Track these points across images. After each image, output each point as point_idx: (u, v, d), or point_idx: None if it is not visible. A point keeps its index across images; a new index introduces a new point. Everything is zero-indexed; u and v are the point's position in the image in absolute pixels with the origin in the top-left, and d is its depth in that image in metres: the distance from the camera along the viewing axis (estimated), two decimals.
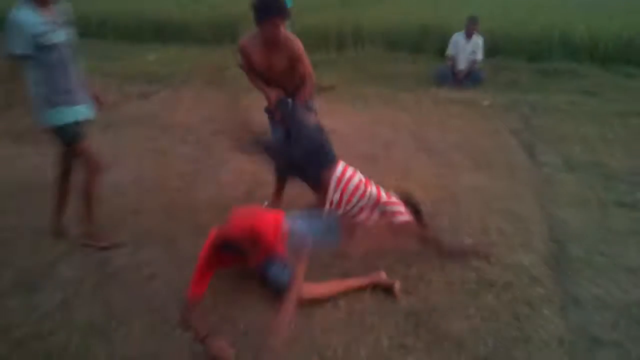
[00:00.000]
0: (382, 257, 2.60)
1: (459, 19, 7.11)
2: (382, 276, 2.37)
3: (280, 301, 2.03)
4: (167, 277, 2.44)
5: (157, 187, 3.46)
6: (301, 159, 2.73)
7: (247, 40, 2.82)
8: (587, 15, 8.84)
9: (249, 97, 4.63)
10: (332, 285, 2.32)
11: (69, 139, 2.47)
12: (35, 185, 3.41)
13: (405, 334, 2.06)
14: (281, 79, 2.88)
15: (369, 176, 2.79)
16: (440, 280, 2.41)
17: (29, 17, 2.22)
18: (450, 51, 6.70)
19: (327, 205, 2.69)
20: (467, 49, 6.57)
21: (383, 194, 2.69)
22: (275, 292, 2.20)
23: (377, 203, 2.64)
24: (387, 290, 2.31)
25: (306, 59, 2.85)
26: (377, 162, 3.89)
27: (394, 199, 2.70)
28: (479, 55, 6.58)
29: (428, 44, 8.15)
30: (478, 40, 6.57)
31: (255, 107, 3.71)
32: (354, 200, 2.64)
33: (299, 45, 2.79)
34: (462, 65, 6.61)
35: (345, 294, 2.29)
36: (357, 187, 2.65)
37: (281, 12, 2.62)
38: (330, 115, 4.87)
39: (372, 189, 2.68)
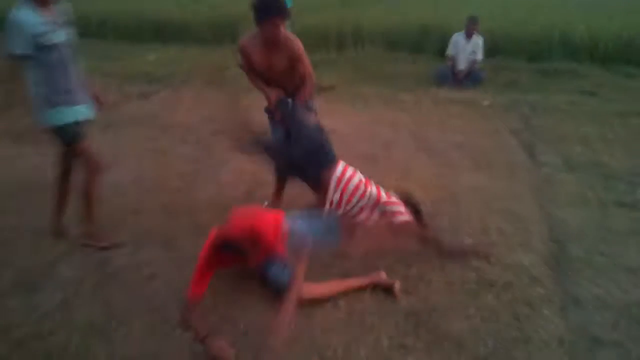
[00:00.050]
0: (382, 257, 2.60)
1: (459, 19, 7.11)
2: (382, 276, 2.37)
3: (280, 301, 2.03)
4: (167, 277, 2.44)
5: (157, 187, 3.46)
6: (301, 159, 2.73)
7: (247, 40, 2.81)
8: (587, 15, 8.84)
9: (249, 97, 4.63)
10: (332, 285, 2.32)
11: (69, 139, 2.47)
12: (35, 185, 3.41)
13: (405, 334, 2.06)
14: (281, 79, 2.88)
15: (369, 176, 2.79)
16: (440, 281, 2.41)
17: (29, 17, 2.22)
18: (450, 51, 6.70)
19: (327, 205, 2.69)
20: (467, 49, 6.57)
21: (383, 194, 2.69)
22: (275, 292, 2.20)
23: (377, 203, 2.64)
24: (387, 290, 2.31)
25: (306, 59, 2.85)
26: (377, 162, 3.89)
27: (393, 199, 2.70)
28: (479, 56, 6.58)
29: (428, 44, 8.15)
30: (478, 41, 6.57)
31: (255, 107, 3.71)
32: (354, 200, 2.64)
33: (299, 45, 2.79)
34: (462, 65, 6.61)
35: (345, 294, 2.29)
36: (357, 187, 2.65)
37: (281, 12, 2.62)
38: (330, 115, 4.87)
39: (372, 189, 2.68)
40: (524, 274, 2.46)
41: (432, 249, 2.66)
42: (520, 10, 9.89)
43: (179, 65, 7.70)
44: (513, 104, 5.72)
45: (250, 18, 2.71)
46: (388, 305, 2.24)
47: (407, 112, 5.38)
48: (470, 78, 6.55)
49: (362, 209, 2.64)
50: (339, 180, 2.66)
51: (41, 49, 2.26)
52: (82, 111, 2.49)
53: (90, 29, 9.86)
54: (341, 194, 2.65)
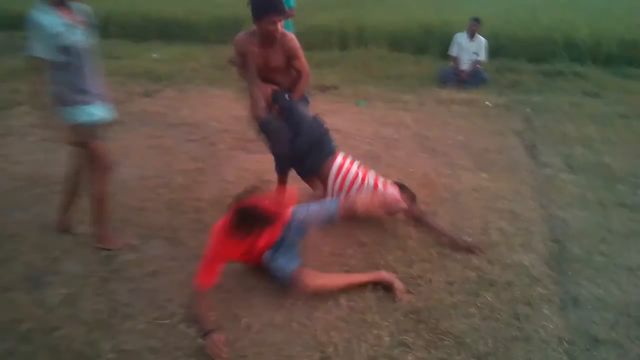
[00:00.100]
0: (383, 254, 2.63)
1: (463, 20, 7.13)
2: (384, 275, 2.38)
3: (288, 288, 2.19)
4: (170, 273, 2.47)
5: (161, 184, 3.49)
6: (303, 149, 2.79)
7: (243, 36, 2.86)
8: (590, 16, 8.84)
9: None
10: (335, 278, 2.35)
11: (83, 138, 2.48)
12: (42, 181, 3.45)
13: (405, 332, 2.08)
14: (277, 76, 2.93)
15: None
16: (441, 280, 2.43)
17: (47, 18, 2.23)
18: (453, 51, 6.72)
19: (328, 196, 2.79)
20: (470, 49, 6.58)
21: (380, 183, 2.80)
22: (281, 282, 2.26)
23: (374, 192, 2.76)
24: (388, 288, 2.33)
25: (302, 56, 2.90)
26: (380, 161, 3.91)
27: (390, 187, 2.81)
28: (483, 57, 6.59)
29: (431, 44, 8.18)
30: (481, 41, 6.58)
31: None
32: (353, 189, 2.73)
33: (295, 41, 2.83)
34: (464, 65, 6.63)
35: (347, 290, 2.31)
36: (355, 177, 2.77)
37: (278, 9, 2.67)
38: (333, 114, 4.90)
39: (370, 179, 2.79)
40: (524, 273, 2.48)
41: (424, 230, 2.79)
42: (524, 11, 9.90)
43: (184, 63, 7.73)
44: (515, 104, 5.73)
45: None
46: (389, 303, 2.26)
47: (410, 112, 5.40)
48: (473, 79, 6.56)
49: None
50: (339, 170, 2.74)
51: (58, 49, 2.27)
52: (97, 111, 2.49)
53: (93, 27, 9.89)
54: (341, 184, 2.73)
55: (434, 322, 2.13)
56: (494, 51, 7.22)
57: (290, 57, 2.84)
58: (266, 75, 2.90)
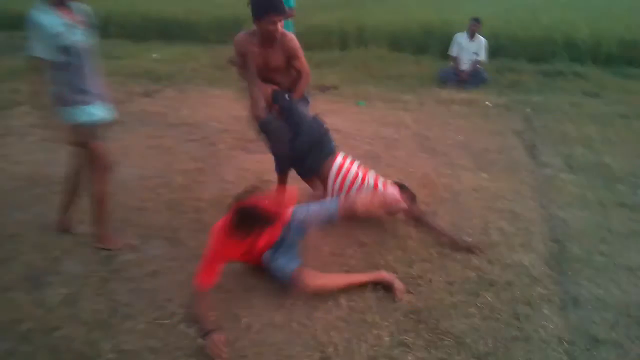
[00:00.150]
0: (383, 254, 2.63)
1: (463, 20, 7.13)
2: (384, 275, 2.38)
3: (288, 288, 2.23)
4: (170, 274, 2.47)
5: (161, 184, 3.49)
6: (304, 149, 2.80)
7: (243, 36, 2.86)
8: (590, 16, 8.84)
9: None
10: (335, 278, 2.35)
11: (83, 138, 2.47)
12: (42, 181, 3.45)
13: (405, 332, 2.08)
14: (277, 76, 2.93)
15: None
16: (441, 280, 2.43)
17: (47, 18, 2.23)
18: (453, 51, 6.72)
19: (328, 195, 2.81)
20: (470, 49, 6.59)
21: (380, 183, 2.82)
22: (281, 282, 2.27)
23: (374, 193, 2.77)
24: (388, 288, 2.33)
25: (302, 55, 2.91)
26: (380, 161, 3.91)
27: (390, 187, 2.83)
28: (483, 56, 6.59)
29: (431, 44, 8.18)
30: (481, 41, 6.58)
31: None
32: (353, 189, 2.75)
33: (295, 41, 2.84)
34: (464, 65, 6.63)
35: (347, 290, 2.31)
36: (355, 177, 2.79)
37: (279, 9, 2.68)
38: (333, 114, 4.90)
39: (370, 179, 2.81)
40: (524, 273, 2.48)
41: (423, 229, 2.81)
42: (524, 11, 9.91)
43: (184, 64, 7.74)
44: (515, 104, 5.74)
45: None
46: (389, 303, 2.26)
47: (410, 112, 5.40)
48: (473, 79, 6.57)
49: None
50: (339, 170, 2.75)
51: (58, 49, 2.27)
52: (97, 111, 2.49)
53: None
54: (341, 184, 2.74)
55: (434, 322, 2.13)
56: (494, 51, 7.23)
57: (290, 57, 2.85)
58: (266, 75, 2.90)
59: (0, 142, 4.32)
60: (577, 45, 7.58)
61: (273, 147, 2.95)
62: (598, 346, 2.02)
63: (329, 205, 2.48)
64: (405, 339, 2.04)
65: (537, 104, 5.74)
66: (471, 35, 6.58)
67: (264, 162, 3.59)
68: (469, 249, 2.67)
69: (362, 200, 2.47)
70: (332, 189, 2.83)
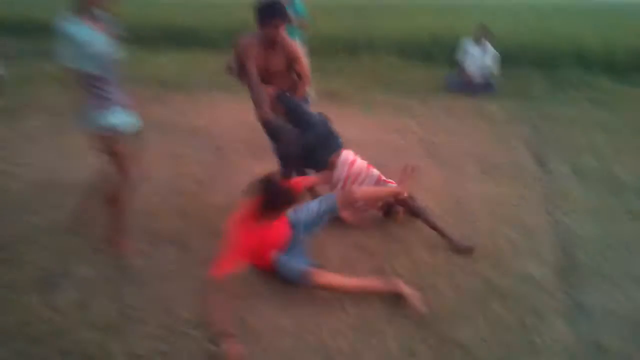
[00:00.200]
0: (389, 260, 2.64)
1: (471, 28, 7.14)
2: (401, 286, 2.32)
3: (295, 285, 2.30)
4: (181, 279, 2.49)
5: (171, 190, 3.53)
6: (314, 143, 2.90)
7: (246, 39, 2.97)
8: (600, 25, 8.82)
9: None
10: (345, 279, 2.33)
11: (108, 145, 2.49)
12: (55, 186, 3.50)
13: (413, 340, 2.09)
14: (277, 79, 3.02)
15: None
16: (449, 289, 2.44)
17: (74, 27, 2.26)
18: (460, 58, 6.74)
19: (335, 188, 2.89)
20: (477, 56, 6.60)
21: (383, 177, 2.92)
22: (289, 282, 2.32)
23: (377, 183, 2.88)
24: (397, 296, 2.31)
25: (303, 59, 3.05)
26: (386, 168, 3.91)
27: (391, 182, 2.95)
28: (492, 66, 6.60)
29: (440, 52, 8.19)
30: (489, 48, 6.60)
31: None
32: (359, 180, 2.87)
33: (296, 46, 2.99)
34: (472, 72, 6.64)
35: (356, 297, 2.32)
36: (360, 170, 2.88)
37: (282, 15, 2.82)
38: (341, 121, 4.91)
39: (374, 171, 2.90)
40: (532, 282, 2.49)
41: (420, 221, 2.87)
42: (533, 19, 9.90)
43: (193, 70, 7.81)
44: (523, 112, 5.73)
45: None
46: (396, 310, 2.27)
47: (416, 119, 5.41)
48: (482, 86, 6.57)
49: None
50: (345, 163, 2.83)
51: (85, 58, 2.31)
52: (123, 120, 2.51)
53: None
54: (346, 177, 2.79)
55: (442, 331, 2.14)
56: (502, 58, 7.23)
57: (291, 60, 2.97)
58: (266, 78, 2.99)
59: (14, 147, 4.38)
60: (587, 54, 7.56)
61: (282, 149, 3.01)
62: (606, 356, 2.02)
63: (326, 198, 2.61)
64: (413, 346, 2.05)
65: (545, 111, 5.73)
66: (478, 42, 6.60)
67: (273, 168, 3.61)
68: (467, 251, 2.70)
69: (361, 189, 2.65)
70: (339, 181, 2.89)
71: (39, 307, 2.28)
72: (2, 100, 5.75)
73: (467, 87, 6.57)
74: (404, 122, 5.27)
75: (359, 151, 3.09)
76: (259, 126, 3.09)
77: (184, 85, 6.84)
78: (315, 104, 4.35)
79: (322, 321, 2.20)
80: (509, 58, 7.58)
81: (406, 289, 2.30)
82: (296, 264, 2.33)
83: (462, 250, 2.71)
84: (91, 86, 2.37)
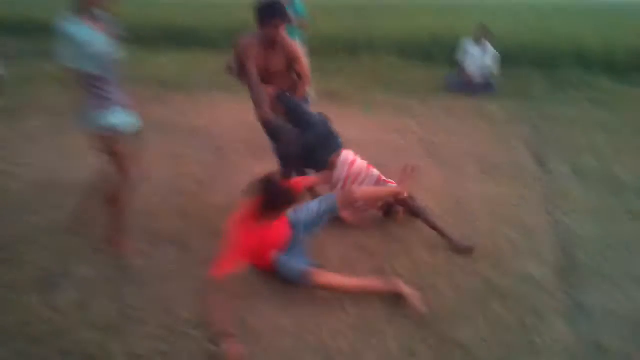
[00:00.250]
0: (389, 260, 2.64)
1: (471, 28, 7.15)
2: (401, 287, 2.32)
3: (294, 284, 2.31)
4: (181, 279, 2.49)
5: (171, 190, 3.53)
6: (314, 143, 2.90)
7: (246, 39, 2.98)
8: (599, 24, 8.82)
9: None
10: (345, 279, 2.33)
11: (109, 145, 2.49)
12: (55, 186, 3.50)
13: (413, 340, 2.09)
14: (277, 79, 3.03)
15: None
16: (449, 288, 2.44)
17: (74, 27, 2.27)
18: (460, 57, 6.74)
19: (335, 188, 2.89)
20: (477, 56, 6.61)
21: (383, 177, 2.92)
22: (290, 282, 2.32)
23: (377, 182, 2.88)
24: (397, 296, 2.31)
25: (303, 59, 3.06)
26: (386, 168, 3.91)
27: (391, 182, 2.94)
28: (492, 66, 6.60)
29: (439, 52, 8.20)
30: (489, 48, 6.60)
31: None
32: (359, 180, 2.87)
33: (296, 46, 3.00)
34: (472, 72, 6.64)
35: (356, 296, 2.32)
36: (360, 170, 2.88)
37: (282, 15, 2.83)
38: (340, 121, 4.91)
39: (374, 171, 2.90)
40: (532, 282, 2.49)
41: (420, 220, 2.88)
42: (532, 19, 9.90)
43: (193, 70, 7.81)
44: (523, 112, 5.73)
45: None
46: (396, 310, 2.27)
47: (416, 119, 5.42)
48: (481, 86, 6.58)
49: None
50: (346, 163, 2.81)
51: (85, 58, 2.31)
52: (123, 120, 2.51)
53: None
54: (346, 177, 2.79)
55: (442, 331, 2.14)
56: (502, 58, 7.23)
57: (291, 60, 2.98)
58: (266, 78, 2.99)
59: (14, 147, 4.38)
60: (587, 54, 7.56)
61: (283, 149, 3.01)
62: (606, 356, 2.02)
63: (326, 198, 2.62)
64: (413, 347, 2.05)
65: (545, 112, 5.73)
66: (478, 42, 6.60)
67: (273, 168, 3.61)
68: (467, 251, 2.70)
69: (360, 189, 2.65)
70: (339, 181, 2.89)
71: (39, 307, 2.27)
72: (2, 100, 5.75)
73: (467, 87, 6.57)
74: (404, 122, 5.27)
75: (359, 151, 3.08)
76: (259, 126, 3.09)
77: (184, 85, 6.85)
78: (315, 104, 4.36)
79: (322, 321, 2.20)
80: (509, 58, 7.58)
81: (406, 289, 2.30)
82: (296, 264, 2.33)
83: (462, 250, 2.72)
84: (91, 86, 2.37)
